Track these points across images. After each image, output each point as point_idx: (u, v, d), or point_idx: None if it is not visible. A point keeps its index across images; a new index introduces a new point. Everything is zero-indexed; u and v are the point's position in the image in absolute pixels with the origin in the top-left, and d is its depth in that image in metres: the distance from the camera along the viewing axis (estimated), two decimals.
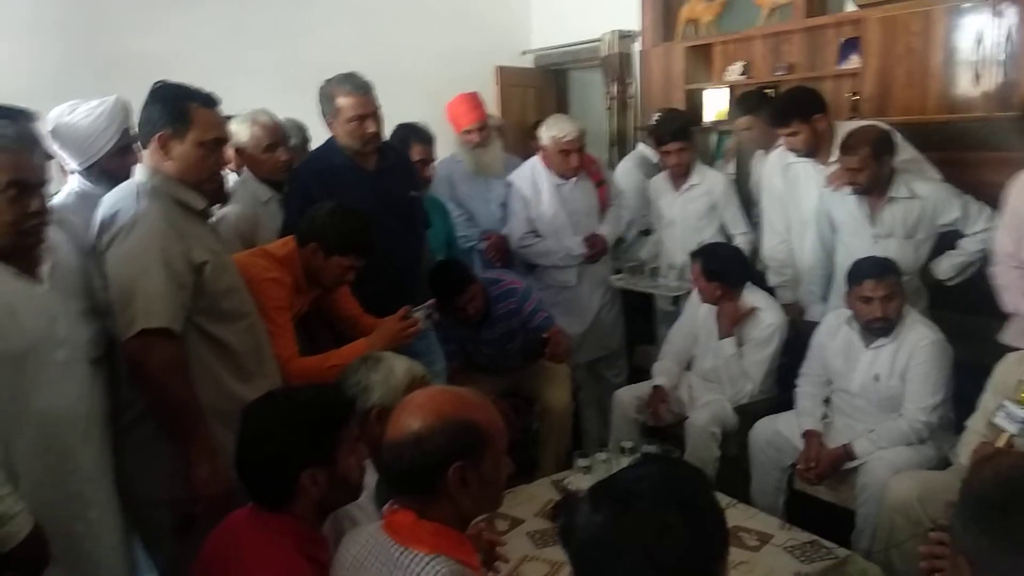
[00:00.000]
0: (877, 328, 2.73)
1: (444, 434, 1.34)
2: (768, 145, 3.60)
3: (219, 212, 2.63)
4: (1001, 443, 2.20)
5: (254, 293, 2.19)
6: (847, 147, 2.90)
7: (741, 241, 3.62)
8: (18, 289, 1.72)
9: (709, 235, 3.65)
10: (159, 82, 1.99)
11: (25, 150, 1.73)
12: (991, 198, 2.87)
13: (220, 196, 2.22)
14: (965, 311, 2.99)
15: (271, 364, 2.16)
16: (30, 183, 1.69)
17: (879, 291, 2.67)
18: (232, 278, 2.06)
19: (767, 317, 3.16)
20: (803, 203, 3.32)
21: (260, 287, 2.27)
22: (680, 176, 3.72)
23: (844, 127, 3.13)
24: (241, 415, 1.61)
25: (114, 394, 1.94)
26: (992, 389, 2.39)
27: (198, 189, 2.00)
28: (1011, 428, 2.20)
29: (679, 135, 3.61)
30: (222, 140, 2.05)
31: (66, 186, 2.35)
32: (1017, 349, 2.53)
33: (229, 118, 2.40)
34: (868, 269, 2.71)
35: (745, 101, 3.72)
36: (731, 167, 4.09)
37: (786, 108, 3.18)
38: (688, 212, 3.72)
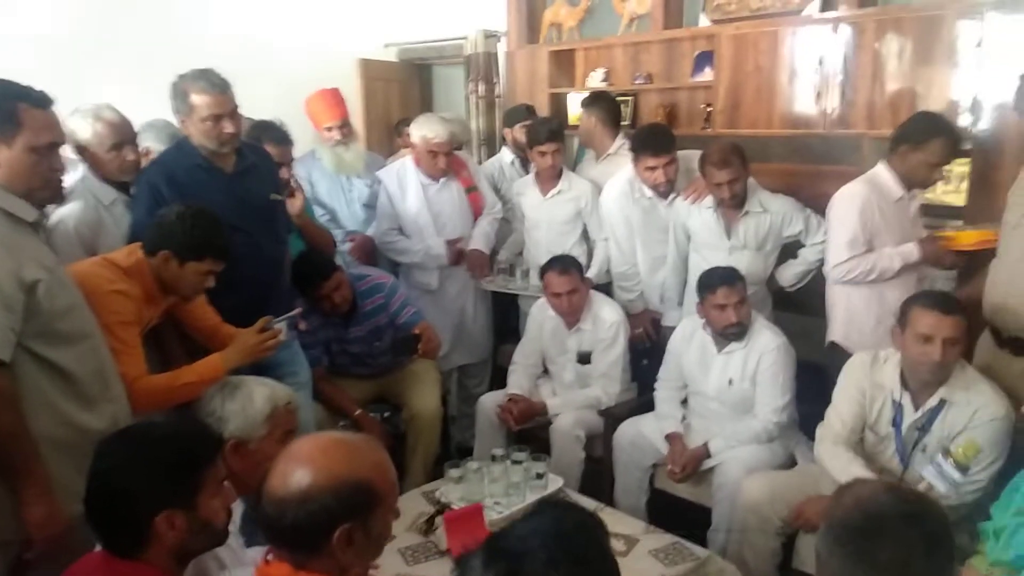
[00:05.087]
0: (732, 333, 2.87)
1: (333, 494, 1.25)
2: (596, 142, 3.77)
3: (55, 214, 2.41)
4: None
5: (96, 307, 2.00)
6: (718, 162, 2.99)
7: (603, 246, 3.64)
8: None
9: (574, 239, 3.70)
10: None
11: None
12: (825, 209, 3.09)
13: (55, 199, 2.01)
14: (802, 312, 3.24)
15: (118, 387, 1.99)
16: None
17: (732, 297, 2.82)
18: (70, 296, 1.87)
19: (608, 315, 3.28)
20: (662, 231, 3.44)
21: (103, 300, 2.08)
22: (549, 180, 3.70)
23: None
24: (94, 451, 1.46)
25: None
26: (843, 392, 2.46)
27: (29, 198, 1.80)
28: (940, 487, 2.10)
29: (555, 135, 3.59)
30: (57, 143, 1.85)
31: None
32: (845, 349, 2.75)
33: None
34: (720, 277, 2.84)
35: (587, 99, 3.84)
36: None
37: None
38: (554, 216, 3.71)
